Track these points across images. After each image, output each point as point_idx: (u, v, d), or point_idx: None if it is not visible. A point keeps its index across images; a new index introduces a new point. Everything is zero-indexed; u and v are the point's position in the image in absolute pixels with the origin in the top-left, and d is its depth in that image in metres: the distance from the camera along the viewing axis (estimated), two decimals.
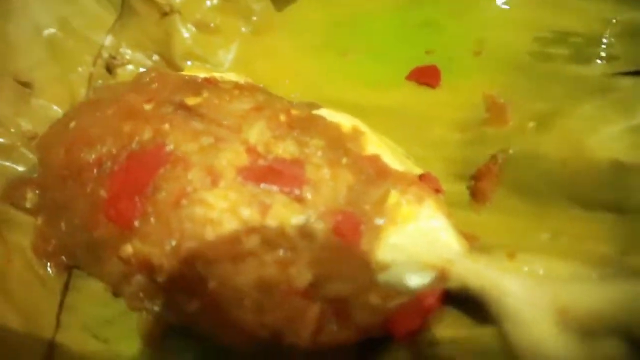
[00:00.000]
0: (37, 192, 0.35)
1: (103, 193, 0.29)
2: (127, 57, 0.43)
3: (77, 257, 0.32)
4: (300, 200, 0.27)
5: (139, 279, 0.28)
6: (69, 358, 0.30)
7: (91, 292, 0.34)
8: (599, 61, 0.32)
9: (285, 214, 0.27)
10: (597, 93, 0.31)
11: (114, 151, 0.30)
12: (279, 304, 0.25)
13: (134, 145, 0.30)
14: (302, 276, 0.26)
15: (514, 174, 0.32)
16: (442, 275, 0.27)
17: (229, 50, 0.43)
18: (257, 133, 0.30)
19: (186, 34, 0.43)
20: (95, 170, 0.30)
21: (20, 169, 0.37)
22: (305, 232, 0.26)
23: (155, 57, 0.43)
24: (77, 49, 0.42)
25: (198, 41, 0.43)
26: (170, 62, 0.43)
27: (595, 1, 0.34)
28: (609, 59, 0.32)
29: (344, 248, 0.27)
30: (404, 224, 0.28)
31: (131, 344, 0.31)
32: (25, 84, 0.39)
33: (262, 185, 0.28)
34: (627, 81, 0.31)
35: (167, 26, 0.43)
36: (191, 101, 0.32)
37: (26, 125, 0.38)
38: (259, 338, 0.26)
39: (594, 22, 0.34)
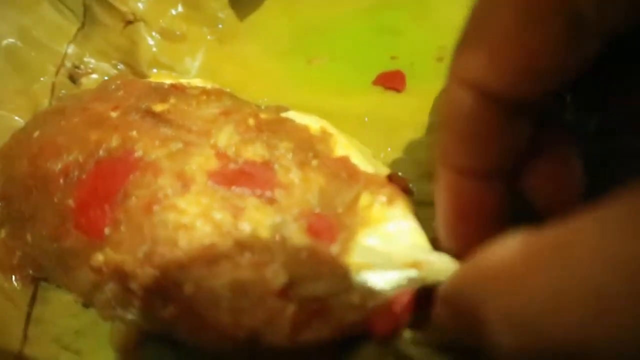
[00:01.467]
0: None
1: (71, 202, 0.29)
2: (91, 66, 0.42)
3: (44, 268, 0.31)
4: (272, 202, 0.27)
5: (111, 287, 0.27)
6: None
7: (60, 303, 0.33)
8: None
9: (258, 217, 0.27)
10: None
11: (81, 160, 0.30)
12: (255, 305, 0.26)
13: (101, 153, 0.30)
14: (277, 277, 0.26)
15: None
16: (414, 275, 0.28)
17: (195, 58, 0.43)
18: (226, 137, 0.30)
19: (151, 42, 0.43)
20: (61, 180, 0.30)
21: None
22: (278, 234, 0.27)
23: (121, 66, 0.43)
24: (38, 59, 0.41)
25: (164, 49, 0.43)
26: (135, 70, 0.42)
27: None
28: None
29: (318, 249, 0.27)
30: (376, 226, 0.28)
31: (104, 354, 0.30)
32: None
33: (234, 188, 0.28)
34: None
35: (131, 34, 0.43)
36: (158, 107, 0.32)
37: None
38: (237, 339, 0.26)
39: None
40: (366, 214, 0.28)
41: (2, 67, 0.40)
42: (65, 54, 0.42)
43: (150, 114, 0.31)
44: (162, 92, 0.33)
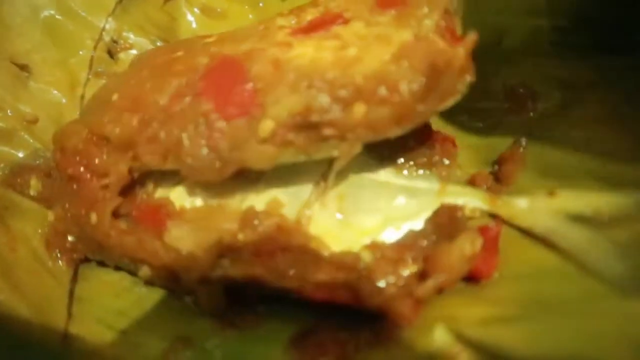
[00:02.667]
0: (43, 181, 0.33)
1: (207, 105, 0.29)
2: (130, 41, 0.41)
3: (98, 251, 0.31)
4: None
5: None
6: (86, 350, 0.28)
7: (101, 282, 0.32)
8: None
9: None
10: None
11: (185, 82, 0.30)
12: None
13: (200, 71, 0.30)
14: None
15: (537, 157, 0.32)
16: None
17: None
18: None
19: (191, 18, 0.42)
20: (178, 102, 0.30)
21: (21, 154, 0.35)
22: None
23: (159, 43, 0.41)
24: (76, 32, 0.40)
25: (203, 26, 0.42)
26: None
27: None
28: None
29: None
30: None
31: (149, 335, 0.29)
32: (23, 67, 0.37)
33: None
34: None
35: (171, 10, 0.42)
36: None
37: (25, 109, 0.36)
38: None
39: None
40: None
41: (40, 39, 0.38)
42: (104, 27, 0.41)
43: None
44: None
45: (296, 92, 0.28)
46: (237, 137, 0.28)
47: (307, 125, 0.28)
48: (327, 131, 0.28)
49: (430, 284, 0.27)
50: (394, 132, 0.28)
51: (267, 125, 0.28)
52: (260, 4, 0.43)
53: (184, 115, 0.29)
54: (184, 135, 0.29)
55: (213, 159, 0.29)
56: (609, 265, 0.27)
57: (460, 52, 0.28)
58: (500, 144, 0.34)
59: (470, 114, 0.35)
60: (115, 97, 0.32)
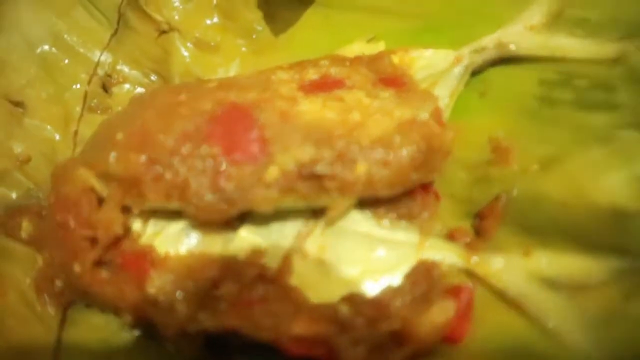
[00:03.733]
0: (34, 222, 0.34)
1: (216, 149, 0.30)
2: (124, 74, 0.42)
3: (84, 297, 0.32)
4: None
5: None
6: None
7: (89, 327, 0.33)
8: (603, 109, 0.33)
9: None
10: (600, 141, 0.31)
11: (191, 125, 0.31)
12: None
13: (206, 115, 0.32)
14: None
15: (517, 215, 0.33)
16: None
17: (229, 69, 0.43)
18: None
19: (185, 53, 0.42)
20: (184, 145, 0.31)
21: (14, 195, 0.36)
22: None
23: (153, 77, 0.42)
24: (71, 66, 0.40)
25: (197, 59, 0.42)
26: (168, 81, 0.42)
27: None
28: (614, 107, 0.33)
29: None
30: None
31: None
32: (18, 104, 0.38)
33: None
34: (631, 133, 0.31)
35: (165, 44, 0.42)
36: None
37: (19, 148, 0.37)
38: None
39: (599, 64, 0.34)
40: None
41: (36, 74, 0.39)
42: (98, 61, 0.41)
43: None
44: None
45: (304, 144, 0.31)
46: (244, 181, 0.30)
47: (310, 176, 0.30)
48: (329, 184, 0.31)
49: (400, 354, 0.28)
50: (386, 192, 0.31)
51: (273, 172, 0.30)
52: (254, 36, 0.43)
53: (190, 157, 0.31)
54: (191, 176, 0.31)
55: (219, 200, 0.30)
56: (576, 339, 0.28)
57: (450, 136, 0.32)
58: (483, 197, 0.34)
59: (455, 163, 0.36)
60: (120, 136, 0.33)
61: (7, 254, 0.33)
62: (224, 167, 0.30)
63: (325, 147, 0.31)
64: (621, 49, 0.33)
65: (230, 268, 0.31)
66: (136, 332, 0.33)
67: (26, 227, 0.34)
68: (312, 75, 0.35)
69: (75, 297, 0.33)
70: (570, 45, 0.35)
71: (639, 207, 0.30)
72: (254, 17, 0.43)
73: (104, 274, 0.31)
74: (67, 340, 0.32)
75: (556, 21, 0.35)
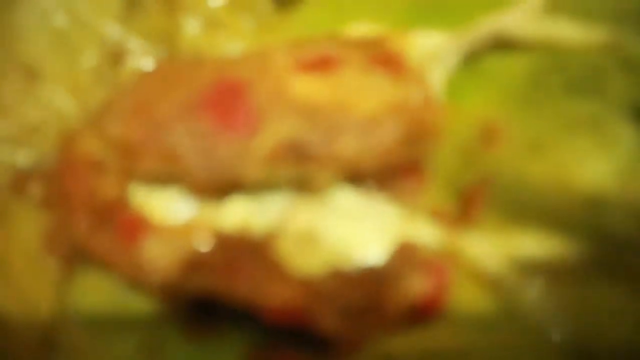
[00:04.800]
0: (43, 184, 0.36)
1: (207, 119, 0.32)
2: (134, 49, 0.43)
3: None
4: None
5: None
6: (67, 348, 0.32)
7: (90, 281, 0.35)
8: (592, 96, 0.33)
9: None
10: (588, 128, 0.32)
11: (187, 96, 0.33)
12: None
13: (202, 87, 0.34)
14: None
15: (501, 198, 0.33)
16: None
17: (235, 48, 0.44)
18: None
19: (193, 31, 0.43)
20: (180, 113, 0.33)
21: (25, 160, 0.38)
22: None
23: (162, 52, 0.43)
24: (84, 38, 0.42)
25: (204, 38, 0.43)
26: (174, 58, 0.43)
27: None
28: (603, 94, 0.33)
29: None
30: None
31: (117, 337, 0.33)
32: (32, 74, 0.40)
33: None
34: (618, 121, 0.31)
35: (174, 21, 0.43)
36: None
37: (31, 115, 0.39)
38: None
39: (591, 51, 0.34)
40: None
41: (48, 46, 0.41)
42: (109, 34, 0.43)
43: None
44: None
45: (295, 117, 0.32)
46: (235, 151, 0.32)
47: (299, 148, 0.32)
48: (316, 156, 0.32)
49: (374, 323, 0.30)
50: (372, 168, 0.33)
51: (263, 143, 0.32)
52: (261, 17, 0.44)
53: (186, 127, 0.33)
54: (185, 144, 0.33)
55: (210, 168, 0.32)
56: (550, 324, 0.29)
57: (440, 117, 0.34)
58: (469, 178, 0.35)
59: (444, 144, 0.36)
60: (123, 105, 0.35)
61: (17, 213, 0.36)
62: (216, 137, 0.32)
63: (315, 121, 0.32)
64: (614, 36, 0.33)
65: (219, 236, 0.33)
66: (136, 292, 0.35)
67: (36, 189, 0.36)
68: (308, 54, 0.36)
69: (78, 256, 0.35)
70: (566, 31, 0.35)
71: (619, 196, 0.30)
72: None
73: (101, 236, 0.33)
74: (68, 293, 0.35)
75: (553, 7, 0.36)
